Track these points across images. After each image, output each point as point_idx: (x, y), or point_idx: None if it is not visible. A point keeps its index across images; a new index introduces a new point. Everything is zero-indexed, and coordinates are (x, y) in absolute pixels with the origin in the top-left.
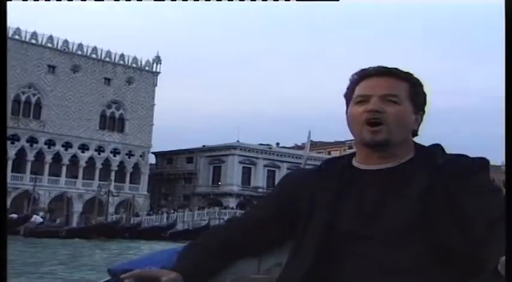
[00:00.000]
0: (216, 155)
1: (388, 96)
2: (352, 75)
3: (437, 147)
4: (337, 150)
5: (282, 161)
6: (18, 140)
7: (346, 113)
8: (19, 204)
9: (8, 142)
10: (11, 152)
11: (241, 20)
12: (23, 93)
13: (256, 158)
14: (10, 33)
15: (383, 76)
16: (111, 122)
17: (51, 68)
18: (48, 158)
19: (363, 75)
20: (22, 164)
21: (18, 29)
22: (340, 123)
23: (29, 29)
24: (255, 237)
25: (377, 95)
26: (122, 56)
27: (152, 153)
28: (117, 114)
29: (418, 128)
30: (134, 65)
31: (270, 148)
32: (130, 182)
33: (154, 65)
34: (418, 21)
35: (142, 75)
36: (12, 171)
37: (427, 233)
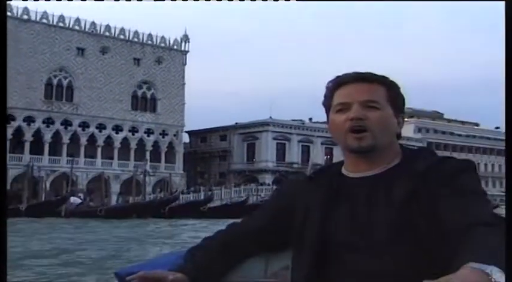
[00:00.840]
0: (249, 132)
1: (368, 102)
2: (328, 83)
3: (424, 150)
4: None
5: (316, 136)
6: (52, 123)
7: (327, 121)
8: (58, 186)
9: (43, 125)
10: (47, 135)
11: None
12: (55, 76)
13: (290, 133)
14: (38, 17)
15: (360, 82)
16: (143, 102)
17: (81, 51)
18: (83, 140)
19: (339, 82)
20: (58, 147)
21: (45, 12)
22: None
23: (56, 12)
24: (255, 243)
25: (357, 101)
26: (150, 35)
27: (186, 132)
28: (148, 95)
29: (400, 130)
30: (163, 45)
31: (303, 123)
32: (166, 162)
33: (183, 43)
34: None
35: (171, 55)
36: (49, 154)
37: (412, 240)
